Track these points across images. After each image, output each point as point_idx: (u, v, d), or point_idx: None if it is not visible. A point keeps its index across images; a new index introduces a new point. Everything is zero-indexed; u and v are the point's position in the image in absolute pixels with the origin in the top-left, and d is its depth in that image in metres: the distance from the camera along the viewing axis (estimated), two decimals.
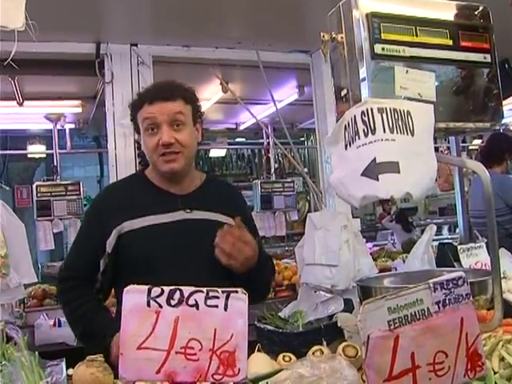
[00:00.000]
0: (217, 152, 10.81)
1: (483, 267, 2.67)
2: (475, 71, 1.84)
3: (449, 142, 7.18)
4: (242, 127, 8.55)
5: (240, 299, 1.24)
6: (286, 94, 6.60)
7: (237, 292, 1.24)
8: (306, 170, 9.17)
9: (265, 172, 7.51)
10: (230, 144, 9.41)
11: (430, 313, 1.22)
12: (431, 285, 1.23)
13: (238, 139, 9.71)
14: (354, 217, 4.80)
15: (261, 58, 5.11)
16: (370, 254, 5.44)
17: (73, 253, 2.27)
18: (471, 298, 1.28)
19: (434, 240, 5.32)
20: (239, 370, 1.24)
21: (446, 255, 2.81)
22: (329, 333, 3.00)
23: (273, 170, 7.21)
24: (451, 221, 9.57)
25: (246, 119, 8.10)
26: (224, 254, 2.04)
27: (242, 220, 2.11)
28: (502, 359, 1.56)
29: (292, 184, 6.90)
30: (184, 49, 5.05)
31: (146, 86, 4.75)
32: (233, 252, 2.03)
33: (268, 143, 7.61)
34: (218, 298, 1.24)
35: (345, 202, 1.66)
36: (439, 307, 1.23)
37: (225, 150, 10.72)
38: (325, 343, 1.80)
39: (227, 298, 1.24)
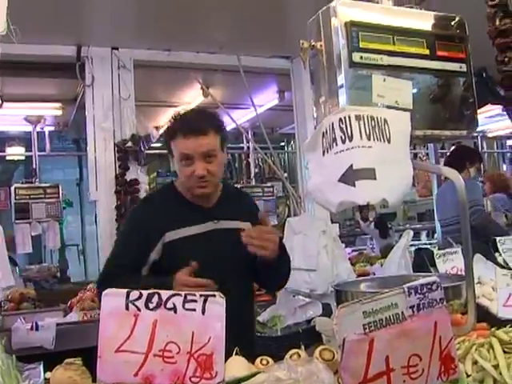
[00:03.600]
0: None
1: (459, 272, 2.71)
2: (451, 80, 1.87)
3: (428, 149, 7.34)
4: None
5: (217, 303, 1.26)
6: (267, 98, 6.63)
7: (214, 296, 1.25)
8: (285, 174, 9.19)
9: (245, 177, 7.53)
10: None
11: (405, 317, 1.24)
12: (406, 289, 1.25)
13: None
14: (332, 222, 4.85)
15: (242, 63, 5.16)
16: (349, 258, 5.49)
17: (114, 262, 2.45)
18: (445, 302, 1.31)
19: (412, 245, 5.42)
20: (216, 372, 1.25)
21: (423, 260, 2.84)
22: (307, 337, 3.02)
23: (253, 175, 7.22)
24: (430, 226, 9.64)
25: (226, 124, 8.06)
26: (256, 248, 2.27)
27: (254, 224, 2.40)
28: (475, 362, 1.59)
29: (272, 189, 6.93)
30: (165, 53, 5.06)
31: (127, 89, 4.85)
32: (263, 243, 2.27)
33: (248, 148, 7.64)
34: (195, 301, 1.25)
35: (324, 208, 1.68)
36: (413, 311, 1.25)
37: None
38: (303, 347, 1.81)
39: (205, 301, 1.25)
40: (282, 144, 10.24)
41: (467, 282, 1.61)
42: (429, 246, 6.38)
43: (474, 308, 1.61)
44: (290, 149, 9.85)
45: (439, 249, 3.22)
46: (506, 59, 2.07)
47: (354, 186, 1.47)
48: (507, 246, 3.16)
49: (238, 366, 1.68)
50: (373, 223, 9.67)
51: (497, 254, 3.17)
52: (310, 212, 5.07)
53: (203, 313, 1.25)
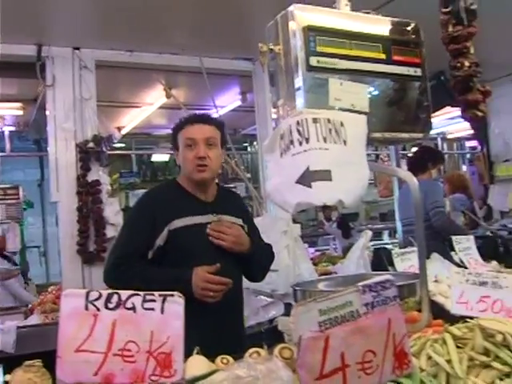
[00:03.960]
0: (160, 157, 10.77)
1: (416, 271, 2.76)
2: (407, 84, 1.93)
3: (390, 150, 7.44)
4: None
5: (176, 302, 1.28)
6: (229, 100, 6.67)
7: (173, 296, 1.27)
8: (248, 175, 9.21)
9: None
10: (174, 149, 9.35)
11: (359, 314, 1.28)
12: (360, 287, 1.29)
13: None
14: (295, 222, 4.89)
15: (204, 64, 5.16)
16: (312, 258, 5.55)
17: (125, 245, 2.70)
18: (398, 300, 1.34)
19: (374, 245, 5.49)
20: (175, 370, 1.27)
21: (381, 259, 2.90)
22: (269, 336, 3.06)
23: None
24: (392, 226, 9.77)
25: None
26: (215, 239, 2.64)
27: (245, 220, 2.83)
28: (430, 358, 1.63)
29: (234, 189, 6.95)
30: (127, 53, 5.03)
31: (89, 90, 4.81)
32: (220, 235, 2.65)
33: None
34: (154, 301, 1.27)
35: None
36: (368, 309, 1.29)
37: (168, 155, 10.69)
38: (266, 347, 1.84)
39: (164, 301, 1.27)
40: (245, 145, 10.27)
41: (421, 281, 1.66)
42: (391, 246, 6.48)
43: (427, 305, 1.66)
44: (252, 150, 9.88)
45: (400, 248, 3.28)
46: (459, 64, 2.13)
47: (311, 187, 1.51)
48: (463, 246, 3.25)
49: (198, 365, 1.70)
50: (335, 223, 9.77)
51: (453, 253, 3.26)
52: (271, 212, 5.10)
53: (162, 312, 1.27)
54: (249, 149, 10.20)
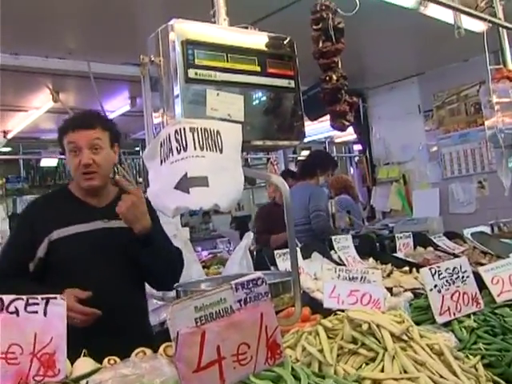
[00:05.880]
0: (49, 161, 10.53)
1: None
2: (282, 95, 2.05)
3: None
4: None
5: (59, 305, 1.33)
6: (119, 104, 6.67)
7: (56, 298, 1.33)
8: (141, 179, 9.18)
9: None
10: (62, 154, 9.20)
11: (233, 310, 1.38)
12: (233, 285, 1.39)
13: None
14: (187, 226, 4.96)
15: (93, 69, 5.14)
16: (204, 261, 5.64)
17: (3, 258, 2.60)
18: (270, 295, 1.46)
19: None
20: (59, 370, 1.32)
21: (263, 259, 3.04)
22: (161, 339, 3.12)
23: None
24: None
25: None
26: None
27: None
28: (304, 349, 1.76)
29: None
30: (13, 57, 4.92)
31: None
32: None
33: None
34: (37, 304, 1.32)
35: None
36: (241, 305, 1.39)
37: (57, 160, 10.46)
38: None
39: (47, 304, 1.32)
40: (137, 149, 10.21)
41: (293, 278, 1.79)
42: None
43: (299, 300, 1.79)
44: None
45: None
46: (327, 78, 2.30)
47: (189, 192, 1.60)
48: (342, 244, 3.46)
49: (85, 366, 1.75)
50: (234, 225, 9.90)
51: (333, 252, 3.45)
52: (161, 216, 5.12)
53: (45, 314, 1.32)
54: (141, 153, 10.16)
